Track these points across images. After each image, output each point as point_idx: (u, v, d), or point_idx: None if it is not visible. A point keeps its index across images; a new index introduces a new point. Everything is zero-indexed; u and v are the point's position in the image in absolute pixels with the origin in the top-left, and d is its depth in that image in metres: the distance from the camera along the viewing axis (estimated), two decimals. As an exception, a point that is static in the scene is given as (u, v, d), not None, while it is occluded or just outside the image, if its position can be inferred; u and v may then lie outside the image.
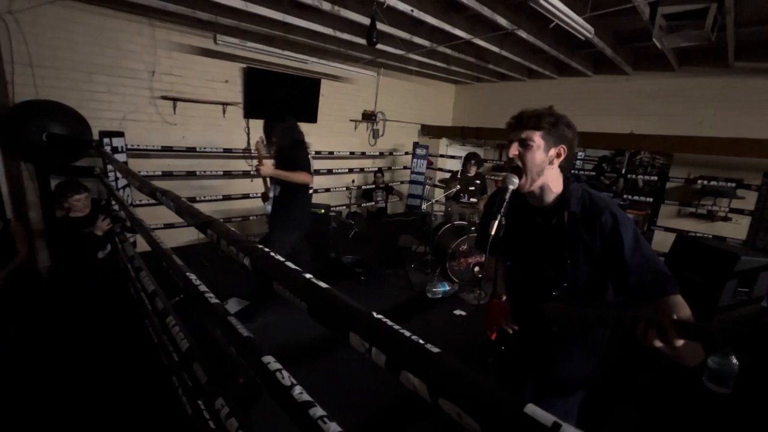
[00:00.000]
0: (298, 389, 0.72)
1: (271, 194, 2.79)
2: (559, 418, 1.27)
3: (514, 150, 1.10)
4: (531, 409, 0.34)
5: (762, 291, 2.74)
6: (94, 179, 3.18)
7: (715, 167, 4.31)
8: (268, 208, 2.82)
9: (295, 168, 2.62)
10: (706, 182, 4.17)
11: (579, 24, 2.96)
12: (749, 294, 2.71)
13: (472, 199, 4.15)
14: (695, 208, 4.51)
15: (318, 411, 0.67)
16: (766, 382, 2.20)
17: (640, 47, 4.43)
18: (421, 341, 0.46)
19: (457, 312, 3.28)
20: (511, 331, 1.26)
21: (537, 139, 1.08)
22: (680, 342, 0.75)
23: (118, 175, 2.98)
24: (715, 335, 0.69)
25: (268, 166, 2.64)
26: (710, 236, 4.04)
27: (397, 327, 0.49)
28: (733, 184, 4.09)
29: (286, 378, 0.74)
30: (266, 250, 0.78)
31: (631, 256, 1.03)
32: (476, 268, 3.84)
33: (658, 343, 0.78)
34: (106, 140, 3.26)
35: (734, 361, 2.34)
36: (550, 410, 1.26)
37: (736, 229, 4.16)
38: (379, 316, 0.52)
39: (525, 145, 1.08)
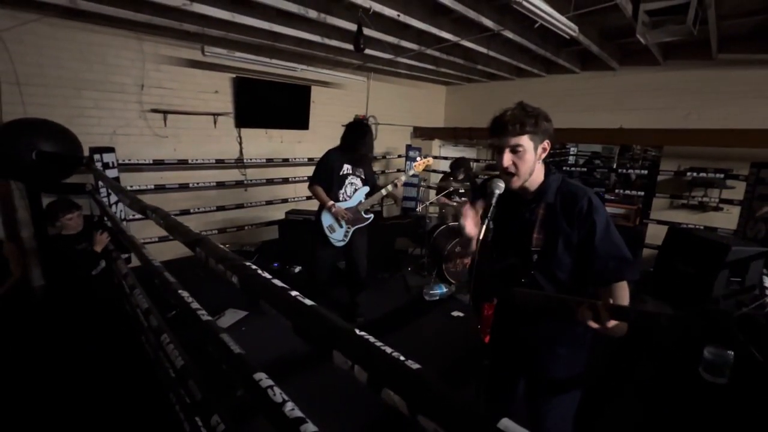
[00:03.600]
0: (289, 405, 0.72)
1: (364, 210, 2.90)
2: (558, 417, 1.28)
3: (507, 160, 1.11)
4: (504, 423, 0.35)
5: (754, 280, 2.77)
6: (86, 196, 3.17)
7: (704, 158, 4.36)
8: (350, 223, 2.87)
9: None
10: (695, 174, 4.22)
11: (563, 23, 2.99)
12: (741, 283, 2.74)
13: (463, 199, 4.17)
14: (687, 199, 4.55)
15: (309, 427, 0.67)
16: (760, 372, 2.22)
17: (625, 43, 4.48)
18: (401, 358, 0.47)
19: (455, 313, 3.29)
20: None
21: (526, 142, 1.10)
22: (611, 322, 0.91)
23: (110, 191, 2.97)
24: (633, 316, 0.89)
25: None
26: (702, 227, 4.09)
27: (379, 344, 0.50)
28: (722, 175, 4.14)
29: (277, 395, 0.74)
30: (254, 267, 0.79)
31: (601, 241, 1.09)
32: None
33: (592, 323, 0.93)
34: (96, 156, 3.26)
35: (729, 352, 2.37)
36: (549, 412, 1.27)
37: (728, 219, 4.20)
38: (362, 333, 0.53)
39: (516, 151, 1.10)
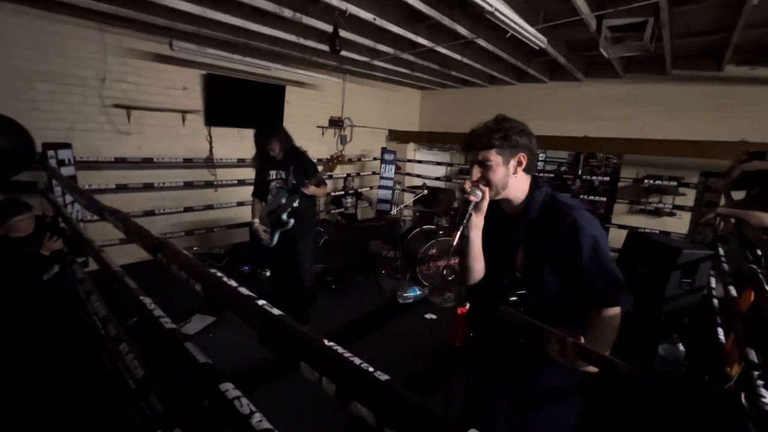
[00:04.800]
0: (257, 417, 0.70)
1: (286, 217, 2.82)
2: (554, 427, 1.25)
3: (476, 173, 1.12)
4: (470, 434, 0.36)
5: (703, 281, 2.99)
6: (38, 195, 2.96)
7: (660, 167, 4.66)
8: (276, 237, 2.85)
9: (321, 182, 2.84)
10: (652, 181, 4.50)
11: (532, 34, 3.11)
12: (692, 284, 2.94)
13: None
14: (644, 205, 4.84)
15: (277, 439, 0.66)
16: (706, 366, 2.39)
17: (590, 56, 4.72)
18: (370, 369, 0.47)
19: (428, 316, 3.32)
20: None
21: (493, 157, 1.09)
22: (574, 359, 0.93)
23: (65, 190, 2.79)
24: (596, 361, 0.90)
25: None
26: (657, 231, 4.36)
27: (347, 355, 0.50)
28: (675, 183, 4.44)
29: (244, 406, 0.72)
30: (219, 275, 0.76)
31: (588, 262, 1.06)
32: (445, 272, 3.91)
33: (558, 357, 0.95)
34: (50, 153, 3.05)
35: (681, 348, 2.54)
36: (543, 420, 1.22)
37: (680, 224, 4.51)
38: (330, 344, 0.52)
39: (484, 165, 1.10)
